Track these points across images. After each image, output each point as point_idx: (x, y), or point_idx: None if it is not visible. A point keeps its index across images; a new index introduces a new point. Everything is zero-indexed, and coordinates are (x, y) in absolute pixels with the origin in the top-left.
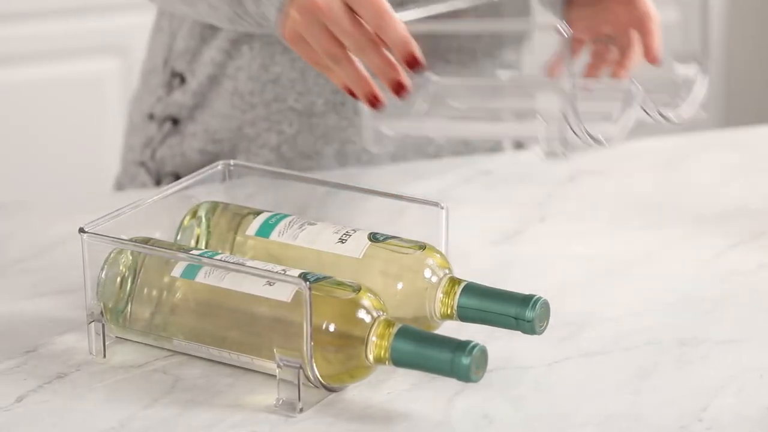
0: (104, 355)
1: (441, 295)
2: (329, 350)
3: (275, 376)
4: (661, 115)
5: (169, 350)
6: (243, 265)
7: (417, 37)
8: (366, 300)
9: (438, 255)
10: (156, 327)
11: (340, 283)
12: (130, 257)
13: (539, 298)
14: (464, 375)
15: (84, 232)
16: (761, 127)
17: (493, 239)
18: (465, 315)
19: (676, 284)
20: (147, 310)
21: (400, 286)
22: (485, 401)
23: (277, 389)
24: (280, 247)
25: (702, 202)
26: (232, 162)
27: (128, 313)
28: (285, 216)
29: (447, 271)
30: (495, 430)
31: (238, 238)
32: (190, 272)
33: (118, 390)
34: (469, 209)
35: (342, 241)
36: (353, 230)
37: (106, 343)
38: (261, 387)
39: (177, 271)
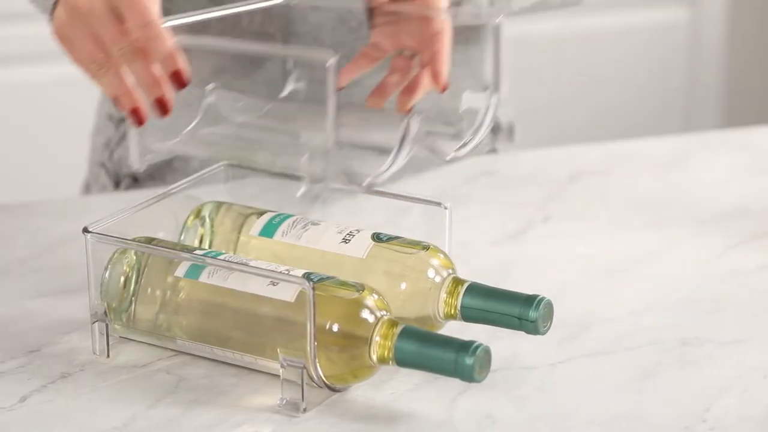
0: (108, 355)
1: (444, 295)
2: (333, 350)
3: (279, 376)
4: (439, 151)
5: (172, 350)
6: (246, 265)
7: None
8: (369, 300)
9: (441, 255)
10: (159, 327)
11: (343, 283)
12: (134, 257)
13: (542, 299)
14: (467, 375)
15: (88, 232)
16: (762, 127)
17: (496, 239)
18: (468, 315)
19: (678, 284)
20: (151, 310)
21: (403, 286)
22: (488, 401)
23: (281, 389)
24: (283, 247)
25: (703, 202)
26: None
27: (132, 313)
28: (288, 216)
29: (450, 271)
30: (498, 431)
31: (242, 238)
32: (194, 272)
33: (122, 390)
34: (473, 209)
35: (345, 241)
36: (357, 230)
37: (110, 343)
38: (264, 387)
39: (181, 271)
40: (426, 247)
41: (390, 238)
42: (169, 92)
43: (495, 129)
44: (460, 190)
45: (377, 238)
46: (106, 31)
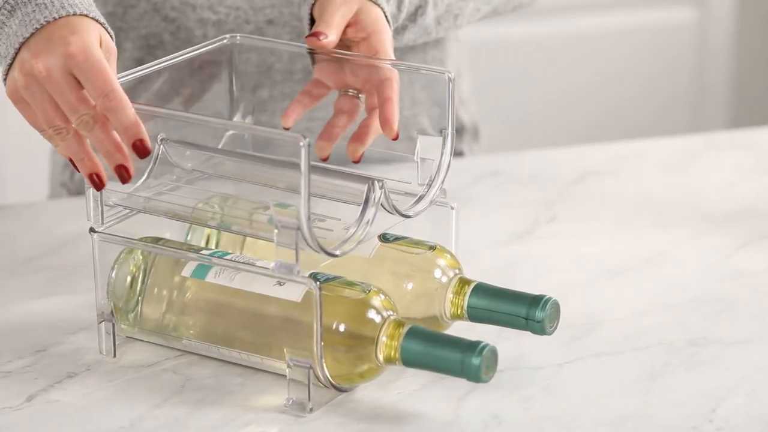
0: (114, 355)
1: (451, 296)
2: (339, 350)
3: (285, 376)
4: (398, 211)
5: (179, 350)
6: (253, 265)
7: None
8: (376, 300)
9: (448, 255)
10: (166, 327)
11: (350, 283)
12: (141, 257)
13: (549, 299)
14: (474, 375)
15: (95, 231)
16: None
17: (502, 239)
18: (475, 315)
19: (684, 285)
20: (157, 310)
21: (410, 286)
22: (495, 401)
23: (288, 389)
24: None
25: (710, 202)
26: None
27: (138, 313)
28: None
29: (457, 272)
30: (505, 431)
31: (248, 239)
32: (201, 272)
33: (129, 390)
34: (479, 210)
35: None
36: None
37: (117, 343)
38: (271, 387)
39: (187, 270)
40: (432, 247)
41: (397, 238)
42: (129, 160)
43: (459, 130)
44: (467, 190)
45: (384, 238)
46: (65, 99)
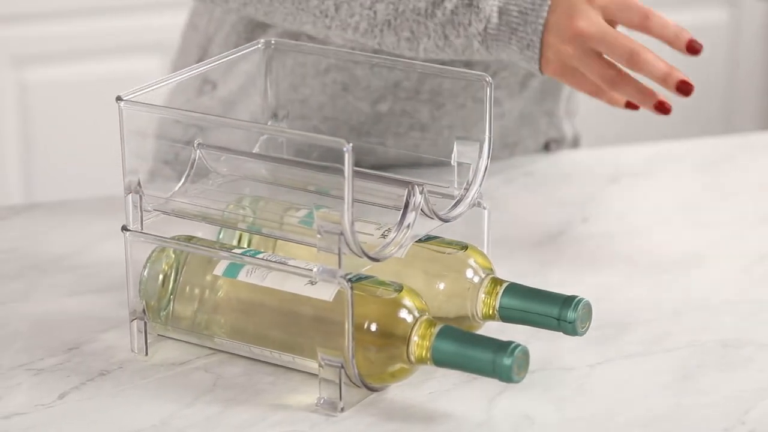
0: (146, 353)
1: (483, 296)
2: (371, 350)
3: (316, 375)
4: (438, 216)
5: (210, 348)
6: (285, 264)
7: None
8: (408, 300)
9: (480, 255)
10: (198, 325)
11: (382, 283)
12: (173, 255)
13: (581, 299)
14: (506, 376)
15: (127, 230)
16: None
17: (535, 240)
18: (507, 315)
19: (718, 286)
20: (189, 309)
21: (442, 286)
22: (527, 402)
23: (319, 388)
24: None
25: (744, 204)
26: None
27: (170, 311)
28: None
29: (489, 272)
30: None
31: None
32: (232, 271)
33: (160, 388)
34: (512, 210)
35: (384, 236)
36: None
37: (148, 341)
38: (302, 386)
39: (219, 269)
40: (464, 247)
41: (429, 238)
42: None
43: (559, 141)
44: (500, 190)
45: None
46: (614, 42)
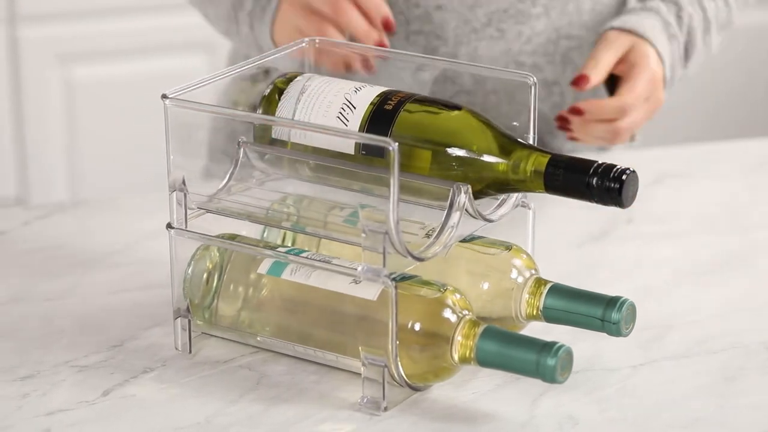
0: (190, 351)
1: (527, 296)
2: (414, 349)
3: (360, 374)
4: (482, 216)
5: (254, 347)
6: (329, 263)
7: None
8: (451, 299)
9: (524, 255)
10: (242, 323)
11: (426, 282)
12: (217, 253)
13: (625, 300)
14: (549, 376)
15: (172, 228)
16: None
17: (579, 240)
18: (551, 316)
19: (762, 288)
20: (233, 307)
21: (485, 286)
22: (570, 402)
23: (362, 387)
24: None
25: None
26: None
27: (214, 309)
28: None
29: (533, 272)
30: None
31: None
32: (277, 269)
33: (204, 386)
34: (556, 210)
35: (428, 236)
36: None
37: (192, 339)
38: (345, 385)
39: (263, 267)
40: (509, 247)
41: (473, 238)
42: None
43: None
44: None
45: None
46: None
